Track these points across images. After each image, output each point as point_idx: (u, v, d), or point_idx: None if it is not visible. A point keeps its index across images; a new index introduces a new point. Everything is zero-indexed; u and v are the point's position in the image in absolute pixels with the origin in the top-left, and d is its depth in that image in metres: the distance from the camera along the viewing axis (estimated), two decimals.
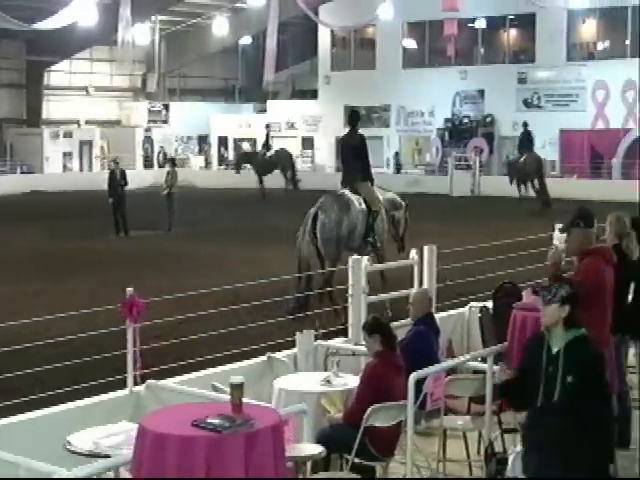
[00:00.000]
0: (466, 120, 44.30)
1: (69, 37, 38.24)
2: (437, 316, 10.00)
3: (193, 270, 18.41)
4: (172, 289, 12.44)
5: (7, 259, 20.41)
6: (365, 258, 9.88)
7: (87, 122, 50.26)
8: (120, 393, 7.90)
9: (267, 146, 38.73)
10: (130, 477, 5.29)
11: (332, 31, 47.44)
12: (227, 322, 11.38)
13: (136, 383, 7.90)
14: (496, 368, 8.09)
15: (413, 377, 7.00)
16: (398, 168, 45.17)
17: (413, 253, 10.67)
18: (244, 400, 5.29)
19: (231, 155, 51.25)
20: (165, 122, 52.25)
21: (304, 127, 50.05)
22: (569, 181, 38.94)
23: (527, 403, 5.83)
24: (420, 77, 44.78)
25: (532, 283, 9.80)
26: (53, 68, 49.14)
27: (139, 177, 42.52)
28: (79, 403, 7.62)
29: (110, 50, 47.73)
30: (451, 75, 44.27)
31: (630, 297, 8.54)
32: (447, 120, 44.82)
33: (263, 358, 8.93)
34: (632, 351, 9.09)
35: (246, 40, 52.42)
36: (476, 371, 8.59)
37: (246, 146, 48.11)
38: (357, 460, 7.05)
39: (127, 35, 32.72)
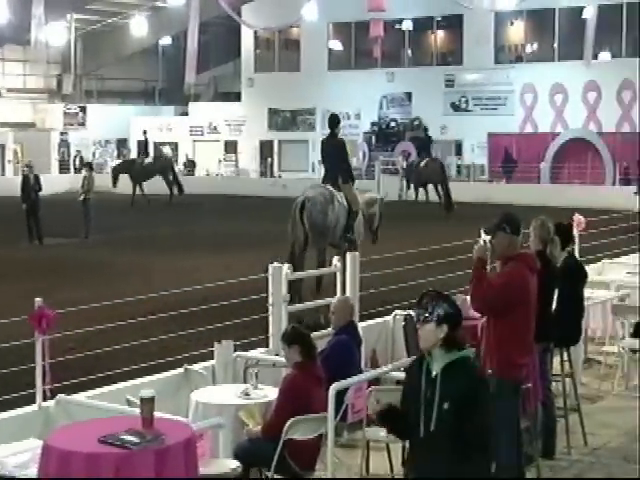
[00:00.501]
0: (393, 123, 44.64)
1: None
2: (360, 325, 10.04)
3: (110, 279, 18.21)
4: (88, 299, 12.27)
5: None
6: (286, 266, 9.87)
7: None
8: (28, 409, 7.76)
9: (146, 152, 38.59)
10: None
11: (255, 32, 47.45)
12: (145, 333, 11.28)
13: (45, 398, 7.77)
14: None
15: (334, 388, 7.01)
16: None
17: (335, 260, 10.68)
18: (157, 414, 5.23)
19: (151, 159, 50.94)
20: (82, 125, 51.68)
21: (227, 130, 49.96)
22: (498, 186, 39.48)
23: (410, 432, 5.45)
24: (346, 79, 44.99)
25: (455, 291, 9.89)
26: None
27: (54, 182, 41.96)
28: None
29: (23, 50, 47.10)
30: (378, 77, 44.54)
31: (554, 304, 8.67)
32: (374, 124, 45.11)
33: (180, 370, 8.86)
34: (557, 359, 9.22)
35: (166, 40, 52.16)
36: (399, 381, 8.62)
37: (135, 153, 47.28)
38: (277, 475, 7.03)
39: (40, 34, 32.39)
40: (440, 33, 45.52)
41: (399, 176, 39.83)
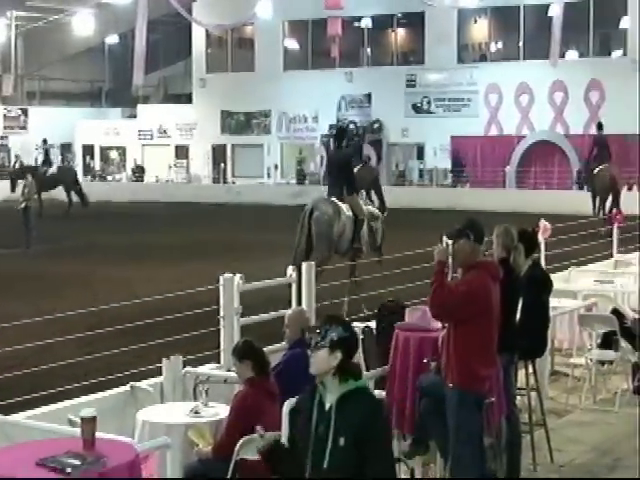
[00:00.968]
0: (352, 126, 44.70)
1: None
2: None
3: (53, 292, 18.12)
4: (29, 313, 12.21)
5: None
6: (238, 276, 9.84)
7: None
8: None
9: (49, 162, 38.36)
10: None
11: (207, 30, 47.31)
12: (89, 349, 11.23)
13: None
14: (378, 393, 8.15)
15: (287, 405, 7.00)
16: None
17: (290, 270, 10.68)
18: (100, 435, 5.20)
19: (97, 165, 50.73)
20: (23, 129, 51.30)
21: (178, 134, 49.79)
22: (461, 191, 39.70)
23: (299, 471, 5.08)
24: (303, 80, 45.04)
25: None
26: None
27: None
28: None
29: None
30: (336, 78, 44.61)
31: (518, 314, 8.71)
32: (332, 126, 45.05)
33: (126, 388, 8.82)
34: (522, 372, 9.27)
35: (113, 39, 51.95)
36: None
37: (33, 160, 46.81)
38: None
39: None
40: (401, 31, 45.68)
41: None
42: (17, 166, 41.75)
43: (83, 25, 47.11)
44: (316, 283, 10.78)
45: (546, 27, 37.82)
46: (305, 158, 45.96)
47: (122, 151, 50.90)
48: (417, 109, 43.35)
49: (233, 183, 46.50)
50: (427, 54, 43.23)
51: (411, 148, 43.40)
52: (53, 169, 37.57)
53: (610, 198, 28.85)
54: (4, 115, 50.97)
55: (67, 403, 8.44)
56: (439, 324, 8.15)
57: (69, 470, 4.79)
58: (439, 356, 7.67)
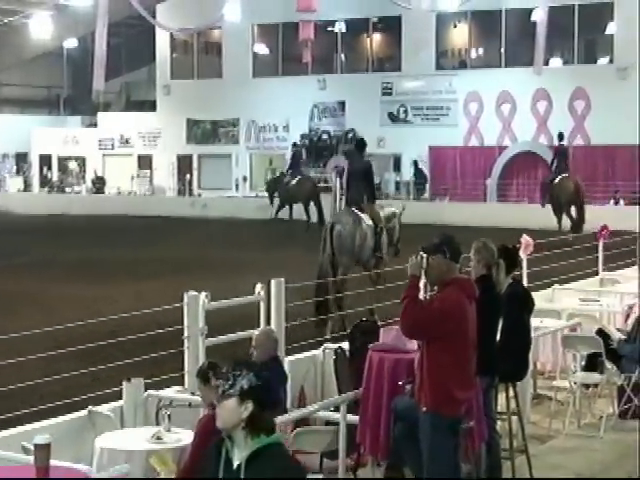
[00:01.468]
0: (325, 136, 44.80)
1: None
2: (286, 360, 10.04)
3: (5, 310, 17.99)
4: None
5: None
6: (203, 294, 9.82)
7: None
8: None
9: None
10: None
11: (172, 34, 47.37)
12: (46, 371, 11.15)
13: None
14: (352, 418, 8.17)
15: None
16: None
17: (259, 288, 10.67)
18: (54, 463, 5.18)
19: (55, 176, 50.55)
20: None
21: (141, 143, 49.75)
22: (440, 204, 39.75)
23: None
24: (273, 87, 45.10)
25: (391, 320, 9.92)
26: None
27: None
28: None
29: None
30: (308, 85, 44.69)
31: (498, 335, 8.73)
32: (304, 136, 45.20)
33: (84, 412, 8.78)
34: (502, 395, 9.28)
35: (72, 43, 51.77)
36: (329, 422, 8.64)
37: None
38: None
39: None
40: (376, 36, 45.84)
41: (332, 194, 39.88)
42: None
43: (40, 28, 46.84)
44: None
45: (529, 33, 38.03)
46: (275, 169, 45.91)
47: (81, 161, 50.76)
48: (393, 118, 43.46)
49: (199, 195, 46.43)
50: (404, 60, 43.36)
51: (387, 159, 43.39)
52: None
53: (574, 208, 29.17)
54: None
55: (20, 429, 8.38)
56: (415, 345, 8.14)
57: None
58: (415, 378, 7.68)
